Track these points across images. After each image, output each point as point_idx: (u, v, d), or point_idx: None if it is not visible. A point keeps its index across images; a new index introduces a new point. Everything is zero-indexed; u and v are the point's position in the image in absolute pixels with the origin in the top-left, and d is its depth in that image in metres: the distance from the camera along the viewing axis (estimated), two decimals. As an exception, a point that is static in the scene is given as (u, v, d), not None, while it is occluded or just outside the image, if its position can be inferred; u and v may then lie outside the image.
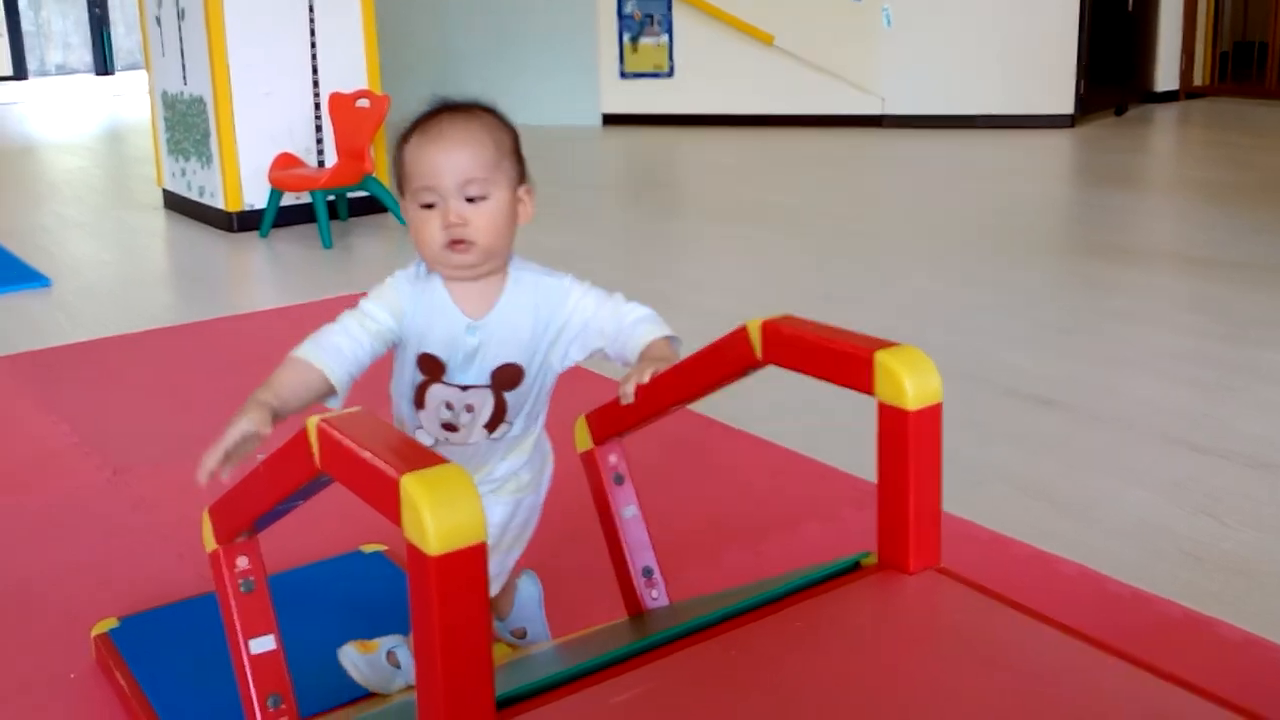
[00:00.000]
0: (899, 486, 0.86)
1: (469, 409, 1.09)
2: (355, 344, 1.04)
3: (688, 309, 2.86)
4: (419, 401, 1.10)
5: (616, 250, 3.70)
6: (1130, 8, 6.20)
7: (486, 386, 1.09)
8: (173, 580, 1.52)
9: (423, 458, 0.71)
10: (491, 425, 1.10)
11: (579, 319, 1.10)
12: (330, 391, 1.03)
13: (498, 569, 1.17)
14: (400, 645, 1.19)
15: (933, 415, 0.85)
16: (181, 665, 1.27)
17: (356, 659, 1.17)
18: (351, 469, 0.75)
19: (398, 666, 1.18)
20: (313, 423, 0.79)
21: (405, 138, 1.07)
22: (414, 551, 0.69)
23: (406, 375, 1.10)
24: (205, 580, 1.48)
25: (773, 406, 2.00)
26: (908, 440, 0.85)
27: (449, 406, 1.08)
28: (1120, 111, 6.24)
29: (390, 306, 1.07)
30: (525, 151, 1.10)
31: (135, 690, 1.24)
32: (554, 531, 1.54)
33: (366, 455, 0.73)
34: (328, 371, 1.02)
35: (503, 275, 1.08)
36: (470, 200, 1.03)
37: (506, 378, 1.09)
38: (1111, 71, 6.08)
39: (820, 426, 1.97)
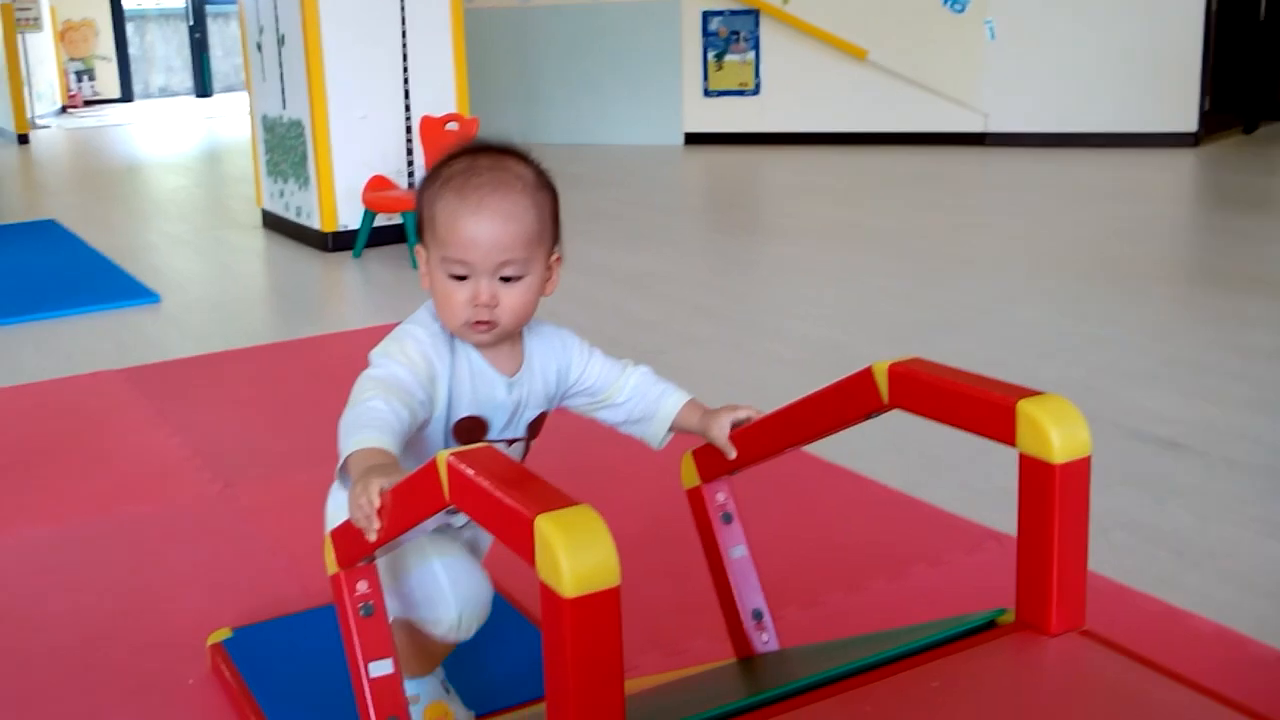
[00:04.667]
0: (1042, 543, 0.82)
1: None
2: (405, 426, 0.95)
3: (782, 336, 2.82)
4: None
5: (702, 274, 3.68)
6: (1262, 16, 5.80)
7: (524, 440, 1.10)
8: (281, 591, 1.56)
9: (555, 498, 0.71)
10: None
11: (591, 375, 1.10)
12: None
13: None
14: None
15: (1080, 469, 0.81)
16: (293, 677, 1.30)
17: None
18: (483, 505, 0.75)
19: None
20: (442, 458, 0.80)
21: (437, 183, 1.00)
22: (548, 593, 0.68)
23: (436, 444, 1.03)
24: (312, 593, 1.51)
25: (870, 442, 1.95)
26: (1053, 495, 0.80)
27: None
28: (1250, 129, 5.87)
29: (422, 377, 1.00)
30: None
31: (249, 699, 1.28)
32: (654, 566, 1.53)
33: (499, 494, 0.73)
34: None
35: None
36: (505, 279, 0.99)
37: (537, 427, 1.11)
38: (1240, 86, 5.71)
39: (924, 465, 1.91)
